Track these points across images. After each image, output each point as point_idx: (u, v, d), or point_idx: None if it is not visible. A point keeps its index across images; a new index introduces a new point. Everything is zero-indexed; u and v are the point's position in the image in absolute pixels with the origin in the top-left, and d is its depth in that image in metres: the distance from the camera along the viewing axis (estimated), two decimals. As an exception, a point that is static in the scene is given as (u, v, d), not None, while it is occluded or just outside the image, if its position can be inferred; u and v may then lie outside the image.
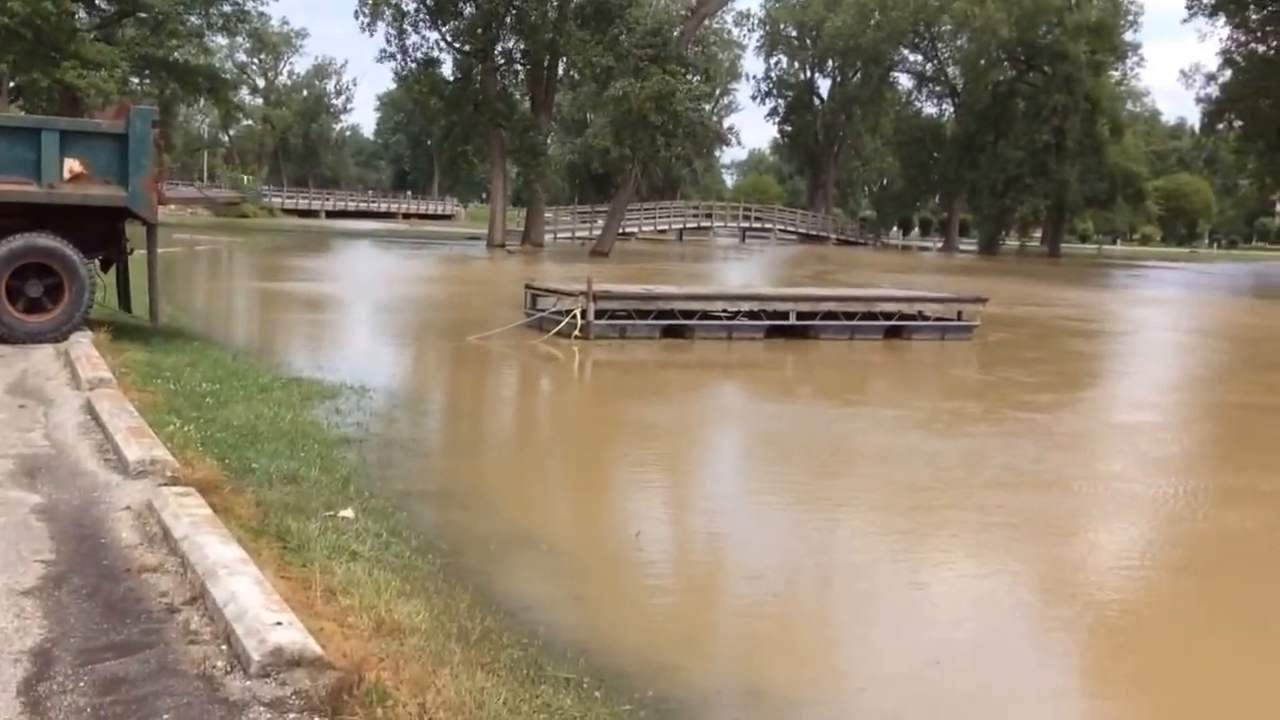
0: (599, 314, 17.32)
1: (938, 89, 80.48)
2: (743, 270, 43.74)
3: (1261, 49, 55.19)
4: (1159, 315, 30.97)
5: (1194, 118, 77.14)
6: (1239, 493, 9.51)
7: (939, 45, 78.46)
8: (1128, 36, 69.57)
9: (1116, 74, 72.67)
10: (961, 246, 74.92)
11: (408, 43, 50.38)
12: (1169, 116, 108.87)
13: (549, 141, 58.39)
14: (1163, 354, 22.14)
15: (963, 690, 5.24)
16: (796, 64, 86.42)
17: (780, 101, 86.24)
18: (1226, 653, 5.92)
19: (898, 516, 8.24)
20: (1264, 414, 14.39)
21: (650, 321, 17.78)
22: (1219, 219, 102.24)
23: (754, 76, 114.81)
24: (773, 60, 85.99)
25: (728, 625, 6.09)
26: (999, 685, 5.33)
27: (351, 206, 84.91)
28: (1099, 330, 25.51)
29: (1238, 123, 59.15)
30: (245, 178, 79.51)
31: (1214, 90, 58.40)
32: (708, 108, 72.21)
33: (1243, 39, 55.67)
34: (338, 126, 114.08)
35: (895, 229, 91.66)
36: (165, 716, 3.51)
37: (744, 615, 6.16)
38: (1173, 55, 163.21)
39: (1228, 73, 56.63)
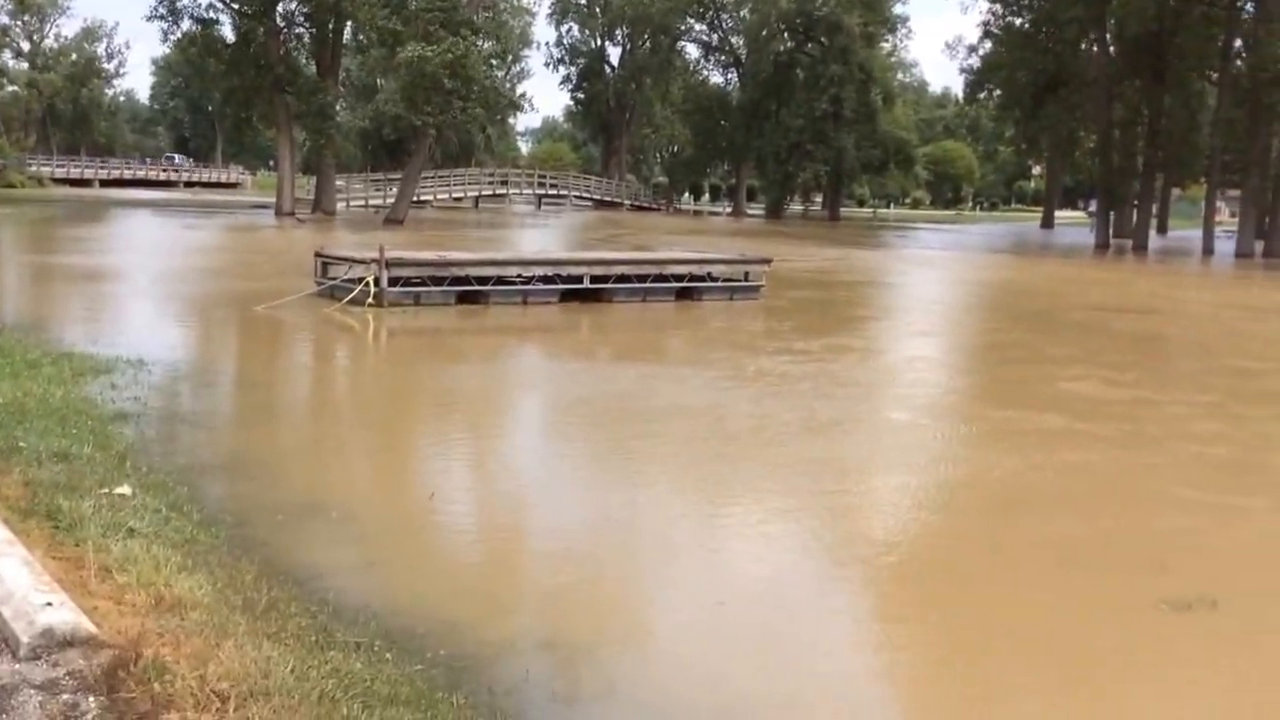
0: (392, 281, 17.07)
1: (723, 59, 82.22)
2: (539, 236, 43.75)
3: (1018, 21, 58.87)
4: (924, 271, 33.03)
5: (958, 87, 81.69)
6: (1004, 431, 10.26)
7: (723, 16, 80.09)
8: (897, 9, 73.01)
9: (887, 45, 76.14)
10: (750, 211, 77.04)
11: (181, 3, 47.86)
12: (935, 86, 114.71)
13: (338, 107, 56.61)
14: (927, 306, 23.50)
15: (740, 625, 5.53)
16: (587, 32, 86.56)
17: (572, 69, 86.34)
18: (1000, 585, 6.41)
19: (696, 469, 8.51)
20: (1003, 350, 15.75)
21: (445, 288, 17.64)
22: (981, 183, 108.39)
23: (546, 44, 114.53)
24: (564, 28, 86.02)
25: (524, 582, 6.19)
26: (776, 619, 5.63)
27: (128, 175, 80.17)
28: (873, 286, 26.88)
29: (997, 92, 62.91)
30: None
31: (975, 61, 61.98)
32: (501, 74, 71.49)
33: (1001, 12, 59.19)
34: (110, 91, 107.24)
35: (687, 195, 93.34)
36: (-75, 705, 3.36)
37: (541, 572, 6.28)
38: (938, 28, 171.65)
39: (987, 44, 60.14)
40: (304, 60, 51.09)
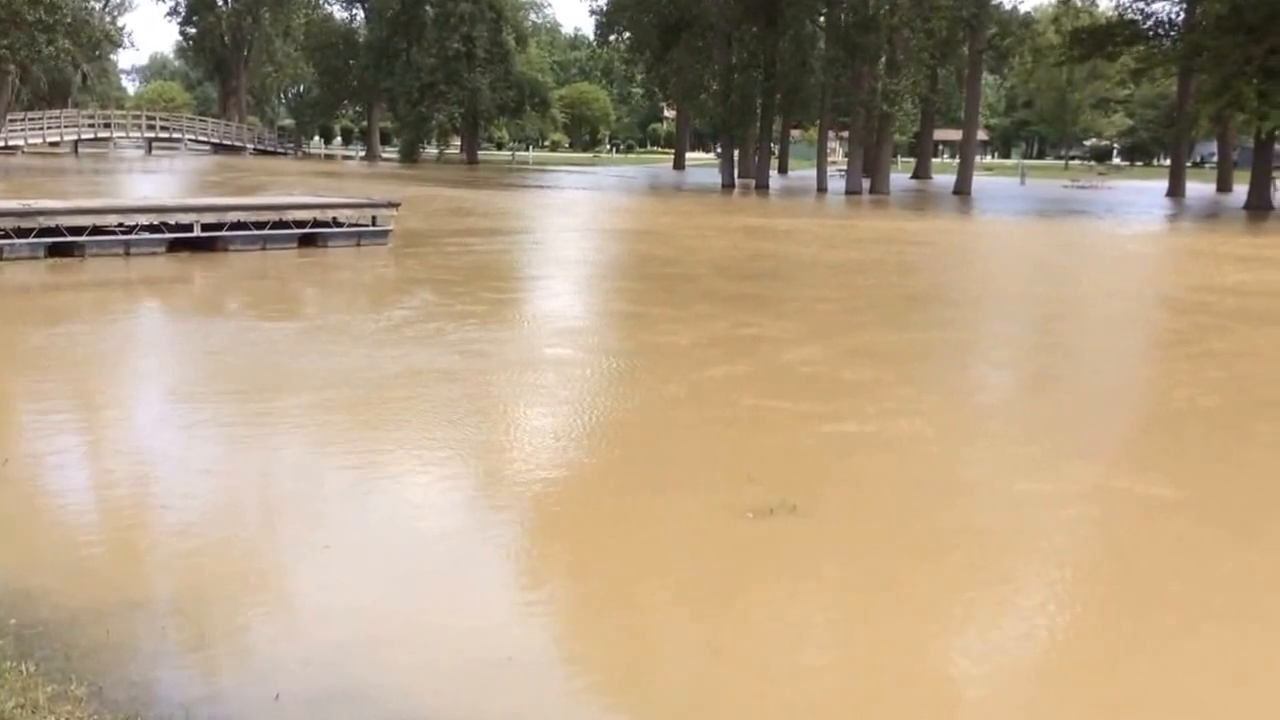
0: (-34, 235, 15.34)
1: (347, -7, 79.40)
2: (149, 184, 40.53)
3: (642, -36, 60.43)
4: (559, 213, 33.74)
5: (590, 29, 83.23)
6: (658, 363, 10.74)
7: (344, -52, 77.18)
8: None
9: (517, -16, 76.10)
10: (384, 154, 75.24)
11: None
12: (568, 28, 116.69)
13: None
14: (564, 247, 24.04)
15: (344, 569, 5.47)
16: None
17: (180, 1, 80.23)
18: (610, 509, 6.72)
19: (338, 427, 8.20)
20: (647, 282, 16.48)
21: (33, 240, 16.06)
22: (617, 125, 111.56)
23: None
24: (168, -45, 79.62)
25: (112, 545, 5.78)
26: (387, 559, 5.63)
27: None
28: (506, 228, 27.12)
29: (626, 35, 64.63)
30: None
31: (604, 3, 63.27)
32: (96, 5, 65.33)
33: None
34: None
35: (317, 138, 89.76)
36: None
37: (133, 534, 5.90)
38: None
39: (614, -13, 61.56)
40: None
